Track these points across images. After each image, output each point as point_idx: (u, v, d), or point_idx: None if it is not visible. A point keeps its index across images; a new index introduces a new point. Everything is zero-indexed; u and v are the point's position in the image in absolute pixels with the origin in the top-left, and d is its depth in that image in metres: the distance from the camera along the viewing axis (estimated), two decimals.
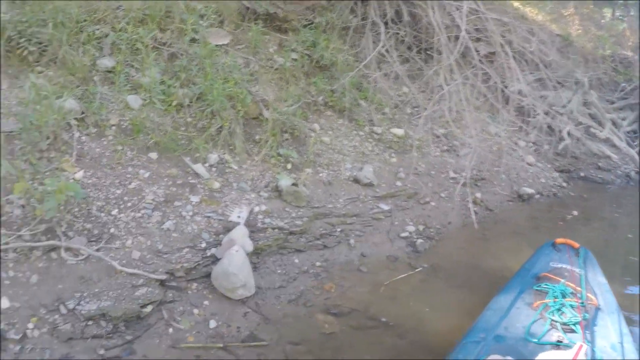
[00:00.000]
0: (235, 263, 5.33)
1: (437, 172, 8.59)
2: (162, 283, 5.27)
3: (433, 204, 7.90)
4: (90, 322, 4.83)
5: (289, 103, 7.66)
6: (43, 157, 5.75)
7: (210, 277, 5.48)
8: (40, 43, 6.53)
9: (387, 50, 8.94)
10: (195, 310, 5.24)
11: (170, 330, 5.02)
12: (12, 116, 5.79)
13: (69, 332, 4.72)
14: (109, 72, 6.73)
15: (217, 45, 7.64)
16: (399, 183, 7.91)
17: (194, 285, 5.45)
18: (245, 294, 5.45)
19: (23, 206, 5.34)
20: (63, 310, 4.81)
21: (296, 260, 6.19)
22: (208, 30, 7.69)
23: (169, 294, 5.27)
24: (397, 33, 9.43)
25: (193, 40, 7.40)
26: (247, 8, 8.46)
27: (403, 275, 6.31)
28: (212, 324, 5.17)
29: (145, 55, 6.84)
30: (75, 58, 6.53)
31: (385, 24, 8.99)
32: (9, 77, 6.32)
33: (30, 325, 4.67)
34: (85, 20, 6.96)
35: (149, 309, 5.01)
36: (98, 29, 6.98)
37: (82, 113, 6.28)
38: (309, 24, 8.88)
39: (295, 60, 8.44)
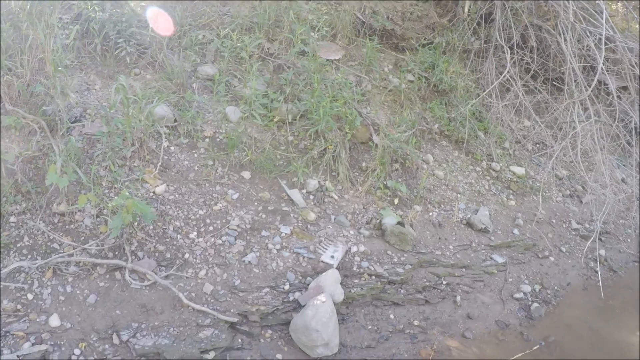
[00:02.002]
0: (319, 317, 4.44)
1: (558, 221, 7.29)
2: (232, 326, 4.47)
3: (552, 259, 6.63)
4: None
5: (402, 129, 6.75)
6: (125, 164, 5.21)
7: (289, 326, 4.61)
8: (139, 44, 6.12)
9: (511, 78, 7.84)
10: None
11: None
12: (99, 118, 5.31)
13: None
14: (209, 80, 6.17)
15: (327, 60, 6.92)
16: (516, 231, 6.72)
17: (269, 332, 4.59)
18: (326, 353, 4.52)
19: (95, 216, 4.79)
20: (116, 340, 4.16)
21: (391, 316, 5.17)
22: (319, 43, 6.99)
23: (238, 339, 4.44)
24: (522, 59, 8.32)
25: (302, 52, 6.71)
26: (363, 22, 7.73)
27: (518, 356, 5.12)
28: None
29: (248, 65, 6.21)
30: (174, 63, 6.02)
31: (510, 48, 7.91)
32: (103, 77, 5.91)
33: (77, 352, 4.07)
34: (189, 25, 6.48)
35: (211, 355, 4.20)
36: (202, 35, 6.46)
37: (175, 121, 5.73)
38: (428, 44, 8.04)
39: (412, 82, 7.57)
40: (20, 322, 4.14)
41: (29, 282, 4.35)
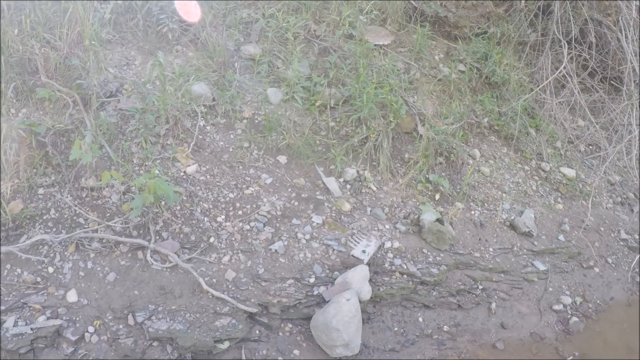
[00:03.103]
0: (341, 316, 4.22)
1: (606, 230, 6.76)
2: (250, 316, 4.31)
3: (597, 270, 6.16)
4: (155, 344, 4.03)
5: (449, 121, 6.39)
6: (158, 142, 5.11)
7: (310, 322, 4.41)
8: (182, 21, 5.98)
9: (567, 74, 7.30)
10: (280, 358, 4.19)
11: None
12: (135, 94, 5.21)
13: (129, 348, 3.97)
14: (252, 60, 5.98)
15: (375, 45, 6.61)
16: (561, 237, 6.26)
17: (288, 326, 4.41)
18: (346, 354, 4.30)
19: (122, 193, 4.72)
20: (131, 321, 4.08)
21: (420, 319, 4.89)
22: (368, 27, 6.68)
23: (256, 330, 4.29)
24: (580, 55, 7.75)
25: (350, 36, 6.43)
26: (415, 8, 7.36)
27: None
28: None
29: (292, 46, 5.99)
30: (217, 41, 5.86)
31: (568, 43, 7.37)
32: (144, 53, 5.82)
33: (91, 329, 4.03)
34: (234, 3, 6.31)
35: (225, 345, 4.06)
36: (247, 13, 6.28)
37: (213, 100, 5.59)
38: (481, 34, 7.60)
39: (462, 72, 7.16)
40: (39, 294, 4.12)
41: (52, 255, 4.33)
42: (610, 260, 6.29)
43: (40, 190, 4.63)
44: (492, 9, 7.70)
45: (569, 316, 5.45)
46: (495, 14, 7.70)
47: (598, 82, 8.10)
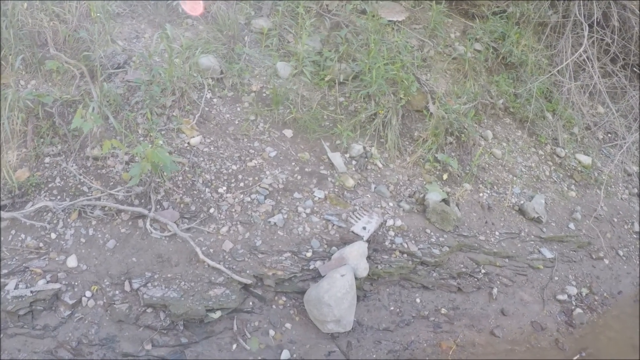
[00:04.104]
0: (334, 291, 4.22)
1: (619, 221, 6.58)
2: (245, 287, 4.37)
3: (606, 261, 6.00)
4: (149, 310, 4.13)
5: (463, 100, 6.27)
6: (164, 113, 5.16)
7: (304, 296, 4.43)
8: None
9: (587, 58, 7.05)
10: (272, 332, 4.25)
11: (234, 346, 4.11)
12: (141, 66, 5.27)
13: (123, 314, 4.08)
14: (262, 34, 5.96)
15: (389, 21, 6.51)
16: (572, 225, 6.11)
17: (282, 299, 4.45)
18: (337, 330, 4.31)
19: (126, 163, 4.80)
20: (127, 287, 4.19)
21: (418, 300, 4.85)
22: (381, 3, 6.59)
23: (249, 302, 4.34)
24: (602, 39, 7.47)
25: (363, 12, 6.35)
26: None
27: None
28: (285, 355, 4.14)
29: (303, 20, 5.95)
30: (228, 14, 5.85)
31: (590, 26, 7.10)
32: (154, 26, 5.87)
33: (88, 294, 4.15)
34: None
35: (217, 315, 4.13)
36: None
37: (221, 73, 5.61)
38: (500, 12, 7.38)
39: (479, 52, 6.99)
40: (40, 259, 4.26)
41: (55, 222, 4.45)
42: (621, 253, 6.13)
43: (47, 159, 4.75)
44: None
45: (573, 307, 5.34)
46: None
47: (620, 68, 7.78)
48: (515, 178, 6.21)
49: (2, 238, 4.31)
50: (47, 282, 4.14)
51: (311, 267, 4.59)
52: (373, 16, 6.20)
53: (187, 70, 5.26)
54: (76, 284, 4.17)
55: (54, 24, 5.13)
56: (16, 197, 4.53)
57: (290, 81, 5.73)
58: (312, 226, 4.83)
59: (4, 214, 4.32)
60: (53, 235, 4.38)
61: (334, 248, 4.73)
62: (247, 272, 4.39)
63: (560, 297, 5.37)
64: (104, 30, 5.37)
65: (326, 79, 5.89)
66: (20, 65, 5.06)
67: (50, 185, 4.62)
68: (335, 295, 4.20)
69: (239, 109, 5.51)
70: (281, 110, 5.58)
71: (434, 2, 6.84)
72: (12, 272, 4.16)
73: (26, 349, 3.94)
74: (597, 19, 7.13)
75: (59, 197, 4.56)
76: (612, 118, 7.42)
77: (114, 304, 4.11)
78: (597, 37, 7.32)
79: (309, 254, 4.64)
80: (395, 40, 6.18)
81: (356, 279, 4.49)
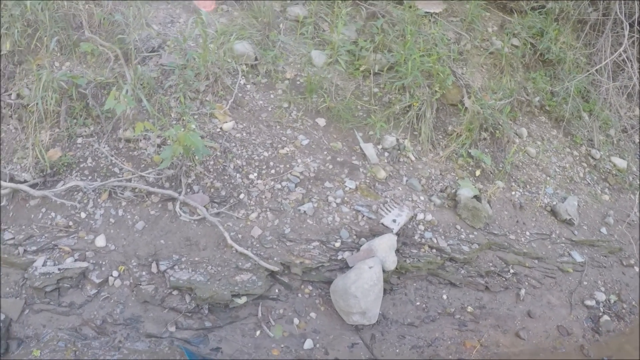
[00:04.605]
0: (361, 283, 4.15)
1: None
2: (271, 274, 4.33)
3: (637, 269, 5.79)
4: (174, 292, 4.13)
5: (498, 96, 6.13)
6: (197, 98, 5.14)
7: (331, 286, 4.37)
8: None
9: (627, 58, 6.83)
10: (296, 320, 4.20)
11: (258, 333, 4.08)
12: (176, 51, 5.25)
13: (149, 295, 4.08)
14: (297, 22, 5.90)
15: (426, 13, 6.39)
16: (604, 230, 5.91)
17: (309, 288, 4.40)
18: (362, 322, 4.25)
19: (158, 146, 4.79)
20: (154, 268, 4.19)
21: (444, 296, 4.76)
22: None
23: (275, 289, 4.30)
24: None
25: (399, 2, 6.25)
26: None
27: None
28: (308, 344, 4.10)
29: (339, 9, 5.87)
30: (264, 1, 5.81)
31: (631, 25, 6.87)
32: (189, 11, 5.87)
33: (115, 273, 4.17)
34: None
35: (242, 300, 4.10)
36: None
37: (256, 60, 5.57)
38: (539, 8, 7.18)
39: (516, 47, 6.83)
40: (69, 237, 4.28)
41: (85, 201, 4.46)
42: None
43: (79, 140, 4.78)
44: None
45: (601, 314, 5.18)
46: None
47: None
48: (548, 178, 6.05)
49: (32, 215, 4.36)
50: (75, 260, 4.16)
51: (339, 257, 4.52)
52: (410, 7, 6.10)
53: (222, 55, 5.23)
54: (104, 263, 4.19)
55: (89, 7, 5.16)
56: (47, 176, 4.57)
57: (325, 70, 5.66)
58: (342, 216, 4.76)
59: (36, 192, 4.35)
60: (83, 215, 4.39)
61: (363, 239, 4.65)
62: (275, 259, 4.34)
63: (588, 302, 5.22)
64: (139, 14, 5.37)
65: (361, 68, 5.81)
66: (55, 47, 5.09)
67: (81, 166, 4.64)
68: (362, 287, 4.13)
69: (272, 96, 5.47)
70: (315, 98, 5.51)
71: None
72: (40, 249, 4.20)
73: (51, 325, 3.99)
74: (638, 18, 6.90)
75: (90, 177, 4.58)
76: None
77: (140, 284, 4.11)
78: (637, 37, 7.08)
79: (337, 244, 4.57)
80: (432, 32, 6.06)
81: (384, 271, 4.42)
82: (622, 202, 6.36)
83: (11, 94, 4.92)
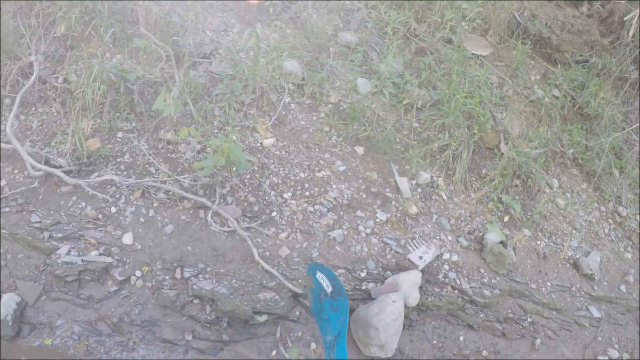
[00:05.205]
0: (383, 316, 4.10)
1: None
2: (294, 296, 4.27)
3: None
4: (196, 301, 4.08)
5: (534, 145, 6.11)
6: (241, 110, 5.15)
7: (351, 315, 4.31)
8: None
9: None
10: (313, 345, 4.14)
11: (274, 353, 4.02)
12: (227, 60, 5.28)
13: (169, 300, 4.04)
14: (347, 47, 5.93)
15: (473, 54, 6.42)
16: (623, 287, 5.86)
17: None
18: (379, 355, 4.18)
19: (197, 152, 4.79)
20: (178, 274, 4.16)
21: (461, 338, 4.68)
22: (468, 35, 6.50)
23: (296, 311, 4.25)
24: None
25: (449, 41, 6.28)
26: (519, 24, 7.10)
27: None
28: None
29: (389, 40, 5.89)
30: (317, 23, 5.84)
31: None
32: (243, 22, 5.93)
33: (138, 273, 4.14)
34: None
35: (263, 318, 4.05)
36: (350, 1, 6.25)
37: (303, 80, 5.58)
38: (583, 62, 7.25)
39: (556, 98, 6.83)
40: (97, 230, 4.27)
41: (117, 196, 4.46)
42: None
43: (119, 134, 4.78)
44: (598, 39, 7.31)
45: None
46: (599, 44, 7.30)
47: None
48: (574, 231, 5.99)
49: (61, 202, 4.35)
50: (100, 254, 4.14)
51: (363, 287, 4.47)
52: (459, 47, 6.11)
53: (271, 71, 5.26)
54: (128, 261, 4.16)
55: (147, 4, 5.20)
56: (83, 165, 4.57)
57: (369, 99, 5.67)
58: (370, 247, 4.72)
59: (69, 179, 4.35)
60: (113, 209, 4.38)
61: (388, 272, 4.60)
62: (300, 281, 4.30)
63: (601, 357, 5.14)
64: (196, 18, 5.41)
65: (404, 102, 5.81)
66: (109, 39, 5.13)
67: (118, 160, 4.65)
68: (384, 320, 4.08)
69: (314, 118, 5.47)
70: (356, 126, 5.51)
71: (519, 41, 6.72)
72: (66, 237, 4.19)
73: (66, 316, 3.97)
74: None
75: (125, 173, 4.58)
76: None
77: (162, 288, 4.07)
78: None
79: (363, 274, 4.53)
80: (477, 74, 6.07)
81: (405, 307, 4.36)
82: None
83: (58, 77, 4.96)
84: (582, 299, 5.50)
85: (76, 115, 4.73)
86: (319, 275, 3.98)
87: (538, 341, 4.96)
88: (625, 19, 7.15)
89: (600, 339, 5.32)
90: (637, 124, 6.79)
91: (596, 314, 5.44)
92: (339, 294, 3.85)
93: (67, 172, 4.47)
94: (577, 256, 5.76)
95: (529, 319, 5.05)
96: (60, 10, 4.97)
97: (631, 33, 7.11)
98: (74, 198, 4.41)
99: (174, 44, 5.15)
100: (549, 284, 5.38)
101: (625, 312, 5.69)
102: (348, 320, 3.76)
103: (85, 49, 5.01)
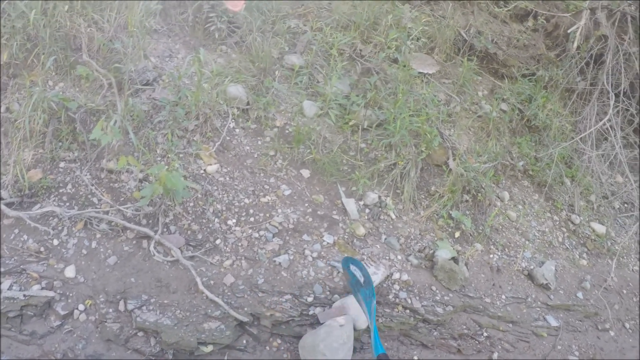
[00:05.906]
0: (330, 341, 4.08)
1: (629, 293, 6.38)
2: (240, 324, 4.25)
3: (612, 333, 5.82)
4: (140, 334, 4.03)
5: (483, 159, 6.22)
6: (185, 137, 5.13)
7: (299, 341, 4.29)
8: (231, 22, 6.06)
9: (611, 127, 7.04)
10: None
11: None
12: (169, 86, 5.26)
13: (113, 333, 3.98)
14: (292, 70, 5.97)
15: (419, 73, 6.52)
16: (580, 295, 5.94)
17: (277, 341, 4.32)
18: None
19: (140, 181, 4.75)
20: (121, 306, 4.10)
21: (415, 357, 4.70)
22: (414, 54, 6.60)
23: (243, 340, 4.22)
24: (627, 110, 7.47)
25: (395, 60, 6.36)
26: (465, 40, 7.24)
27: None
28: None
29: (334, 62, 5.95)
30: (262, 46, 5.87)
31: (616, 95, 7.14)
32: (188, 47, 5.90)
33: (81, 307, 4.07)
34: (286, 11, 6.34)
35: (208, 349, 4.02)
36: (295, 24, 6.30)
37: (248, 104, 5.59)
38: (529, 75, 7.41)
39: (504, 112, 6.97)
40: (39, 264, 4.19)
41: (59, 228, 4.38)
42: (627, 326, 5.95)
43: (62, 164, 4.72)
44: (544, 52, 7.48)
45: None
46: (546, 57, 7.47)
47: None
48: (527, 242, 6.09)
49: (3, 235, 4.27)
50: (42, 288, 4.05)
51: (311, 312, 4.45)
52: (404, 66, 6.19)
53: (214, 96, 5.25)
54: (71, 295, 4.09)
55: (90, 31, 5.16)
56: (25, 197, 4.49)
57: (315, 121, 5.70)
58: (317, 271, 4.72)
59: (10, 212, 4.27)
60: (55, 242, 4.31)
61: (336, 296, 4.60)
62: (245, 309, 4.27)
63: None
64: (139, 44, 5.39)
65: (350, 123, 5.86)
66: (52, 66, 5.08)
67: (61, 191, 4.58)
68: (332, 345, 4.06)
69: (259, 142, 5.48)
70: (302, 149, 5.53)
71: (465, 58, 6.86)
72: (8, 271, 4.09)
73: (10, 353, 3.86)
74: (624, 89, 7.12)
75: (67, 204, 4.51)
76: (630, 189, 7.34)
77: (106, 321, 4.01)
78: (622, 107, 7.29)
79: (310, 299, 4.51)
80: (424, 92, 6.16)
81: (355, 330, 4.36)
82: (600, 267, 6.41)
83: (1, 106, 4.88)
84: (538, 309, 5.56)
85: (18, 146, 4.65)
86: (352, 268, 4.22)
87: (495, 355, 5.01)
88: (569, 31, 7.34)
89: (559, 347, 5.39)
90: (586, 133, 6.96)
91: (554, 323, 5.51)
92: (368, 283, 4.10)
93: (9, 205, 4.39)
94: (532, 267, 5.84)
95: (485, 334, 5.09)
96: (3, 38, 4.90)
97: (575, 45, 7.30)
98: (16, 231, 4.32)
99: (117, 71, 5.12)
100: (503, 296, 5.43)
101: (584, 318, 5.78)
102: (375, 311, 4.00)
103: (27, 77, 4.93)
